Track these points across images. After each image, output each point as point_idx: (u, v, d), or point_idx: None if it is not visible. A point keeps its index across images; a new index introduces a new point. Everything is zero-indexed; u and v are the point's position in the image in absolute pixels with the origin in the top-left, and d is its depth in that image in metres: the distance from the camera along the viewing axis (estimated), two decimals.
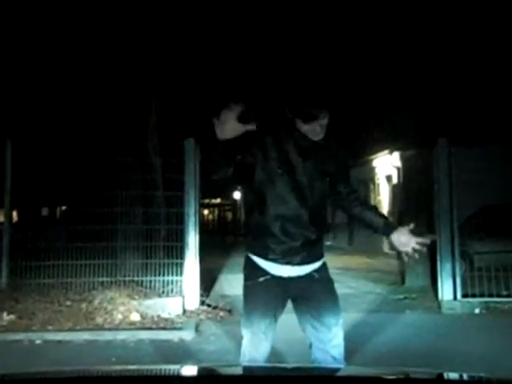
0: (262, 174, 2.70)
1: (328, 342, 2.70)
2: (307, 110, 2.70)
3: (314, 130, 2.71)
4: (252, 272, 2.73)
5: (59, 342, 5.70)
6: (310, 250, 2.72)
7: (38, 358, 5.15)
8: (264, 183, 2.70)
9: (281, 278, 2.69)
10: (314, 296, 2.73)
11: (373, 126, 14.30)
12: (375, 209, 2.92)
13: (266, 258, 2.69)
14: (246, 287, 2.76)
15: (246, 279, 2.76)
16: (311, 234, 2.72)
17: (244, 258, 2.80)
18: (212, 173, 2.65)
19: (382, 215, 2.84)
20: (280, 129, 2.80)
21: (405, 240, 2.66)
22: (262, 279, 2.68)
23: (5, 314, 6.21)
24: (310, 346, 2.76)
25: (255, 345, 2.70)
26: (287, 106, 2.76)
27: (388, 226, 2.76)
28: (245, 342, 2.74)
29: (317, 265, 2.76)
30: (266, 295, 2.68)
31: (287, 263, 2.68)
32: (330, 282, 2.81)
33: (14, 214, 8.26)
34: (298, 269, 2.70)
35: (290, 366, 2.52)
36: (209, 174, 2.69)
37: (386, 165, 15.52)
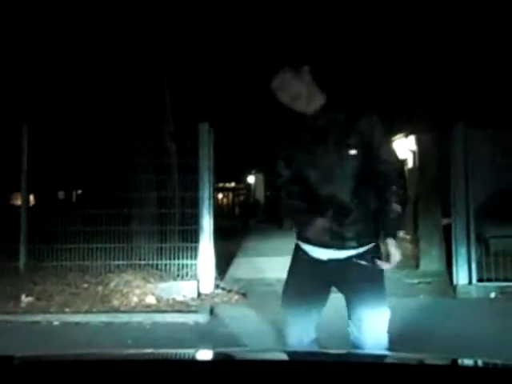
0: (292, 171, 2.75)
1: (366, 331, 2.70)
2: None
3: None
4: (295, 255, 2.79)
5: (77, 323, 5.79)
6: (356, 233, 2.63)
7: (56, 339, 5.25)
8: (294, 178, 2.74)
9: (320, 261, 2.67)
10: (353, 282, 2.67)
11: (387, 109, 14.13)
12: (390, 209, 2.63)
13: (308, 242, 2.71)
14: (289, 269, 2.82)
15: (291, 261, 2.83)
16: (351, 217, 2.62)
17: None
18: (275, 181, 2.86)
19: (391, 218, 2.62)
20: (291, 122, 2.78)
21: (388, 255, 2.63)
22: (302, 262, 2.72)
23: (23, 296, 6.32)
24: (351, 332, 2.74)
25: (297, 327, 2.72)
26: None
27: (385, 234, 2.64)
28: (287, 324, 2.77)
29: (361, 249, 2.65)
30: (305, 278, 2.70)
31: (329, 247, 2.65)
32: (372, 268, 2.65)
33: (31, 197, 8.32)
34: (339, 252, 2.65)
35: (320, 351, 2.46)
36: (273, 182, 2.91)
37: (402, 148, 15.37)
